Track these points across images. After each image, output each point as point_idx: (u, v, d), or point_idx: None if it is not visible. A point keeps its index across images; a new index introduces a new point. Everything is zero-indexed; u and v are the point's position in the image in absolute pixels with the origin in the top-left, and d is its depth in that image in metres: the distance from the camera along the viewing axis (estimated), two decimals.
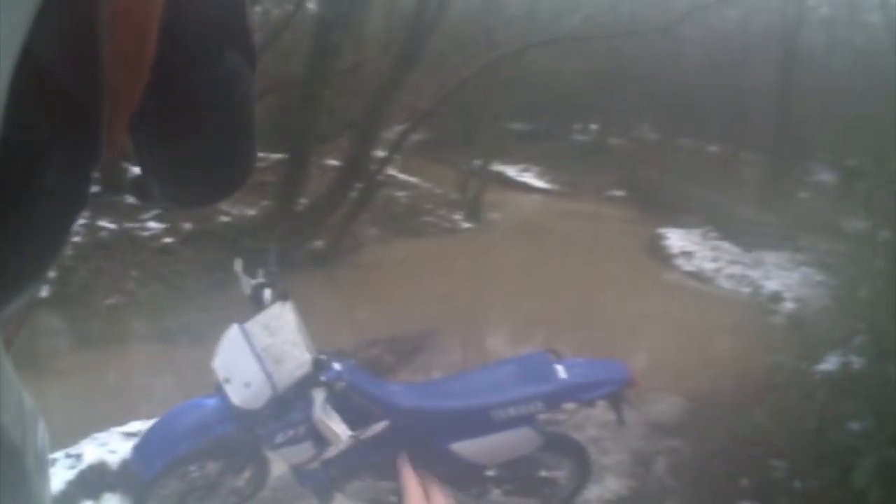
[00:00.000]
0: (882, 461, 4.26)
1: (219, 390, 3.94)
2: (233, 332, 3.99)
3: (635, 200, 22.16)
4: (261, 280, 4.23)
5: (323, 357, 3.76)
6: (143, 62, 0.75)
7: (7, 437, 0.65)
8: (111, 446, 5.45)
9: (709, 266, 15.19)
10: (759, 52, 23.69)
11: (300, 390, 3.76)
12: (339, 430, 3.66)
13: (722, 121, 24.90)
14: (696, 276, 14.80)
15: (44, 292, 9.49)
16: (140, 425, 5.64)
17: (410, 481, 0.87)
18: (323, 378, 3.71)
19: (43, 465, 0.76)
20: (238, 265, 4.28)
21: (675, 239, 17.00)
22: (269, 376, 3.73)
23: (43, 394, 7.46)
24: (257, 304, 4.10)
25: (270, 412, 3.86)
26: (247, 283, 4.19)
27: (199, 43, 0.85)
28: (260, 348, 3.82)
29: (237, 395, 3.79)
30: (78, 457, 5.29)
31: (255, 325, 3.94)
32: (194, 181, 1.06)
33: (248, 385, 3.76)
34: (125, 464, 5.18)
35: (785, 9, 22.70)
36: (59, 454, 5.29)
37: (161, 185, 1.03)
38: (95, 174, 0.73)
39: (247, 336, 3.91)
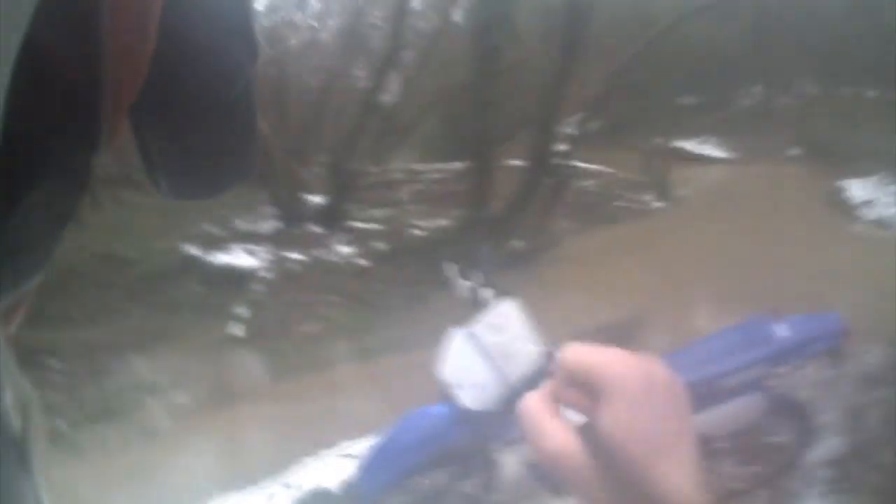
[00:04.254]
0: None
1: (445, 398, 3.98)
2: (458, 338, 4.00)
3: (811, 157, 21.93)
4: (478, 282, 4.15)
5: (552, 348, 3.68)
6: (144, 54, 0.77)
7: (8, 423, 0.68)
8: (329, 470, 5.37)
9: (892, 212, 14.92)
10: None
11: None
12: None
13: (875, 64, 23.89)
14: (880, 223, 14.56)
15: (237, 331, 9.62)
16: (355, 446, 5.61)
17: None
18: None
19: (43, 454, 0.76)
20: (452, 270, 4.29)
21: (855, 190, 16.80)
22: (501, 374, 3.70)
23: (246, 428, 7.53)
24: (478, 306, 4.07)
25: (502, 411, 3.81)
26: (463, 287, 4.16)
27: (200, 35, 0.87)
28: (489, 348, 3.81)
29: (470, 398, 3.82)
30: (293, 485, 5.22)
31: (480, 326, 3.95)
32: (197, 172, 1.07)
33: (480, 386, 3.78)
34: (346, 485, 5.09)
35: None
36: (272, 485, 5.27)
37: (165, 176, 1.03)
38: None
39: (473, 339, 3.92)
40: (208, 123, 0.95)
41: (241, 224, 11.96)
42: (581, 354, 0.70)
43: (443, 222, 13.22)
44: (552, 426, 0.68)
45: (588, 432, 0.65)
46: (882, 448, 5.42)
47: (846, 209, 15.80)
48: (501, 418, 3.85)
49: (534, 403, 0.71)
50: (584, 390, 0.68)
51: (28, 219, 0.64)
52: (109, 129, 0.73)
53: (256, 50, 0.98)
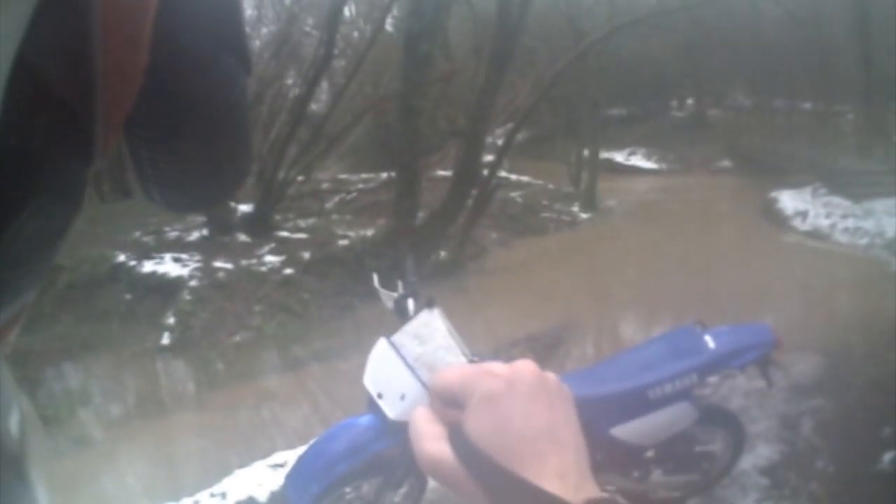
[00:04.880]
0: None
1: (372, 408, 3.92)
2: (381, 347, 3.76)
3: (742, 168, 22.59)
4: (402, 291, 4.07)
5: (477, 359, 3.53)
6: (137, 67, 0.76)
7: (6, 443, 0.68)
8: (257, 480, 5.31)
9: (824, 223, 15.21)
10: (832, 1, 23.15)
11: None
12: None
13: (810, 76, 24.53)
14: (814, 234, 14.84)
15: (164, 339, 9.56)
16: (285, 455, 5.55)
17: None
18: None
19: (43, 471, 0.77)
20: (376, 280, 4.15)
21: (788, 200, 17.12)
22: (424, 385, 3.52)
23: (175, 437, 7.48)
24: (402, 316, 3.89)
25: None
26: (388, 297, 4.07)
27: (192, 48, 0.86)
28: (412, 358, 3.59)
29: (393, 410, 3.56)
30: (223, 495, 5.16)
31: (403, 336, 3.71)
32: (190, 184, 1.06)
33: (403, 397, 3.55)
34: (275, 495, 5.10)
35: None
36: (202, 494, 5.18)
37: (158, 189, 1.04)
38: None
39: (396, 348, 3.69)
40: (201, 135, 0.96)
41: (171, 232, 11.85)
42: (446, 376, 0.75)
43: (369, 232, 13.19)
44: (429, 436, 0.70)
45: (460, 441, 0.67)
46: (817, 456, 5.53)
47: (778, 220, 16.12)
48: None
49: (418, 416, 0.75)
50: (456, 407, 0.71)
51: (22, 234, 0.64)
52: (103, 143, 0.73)
53: (249, 62, 0.98)
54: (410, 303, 4.01)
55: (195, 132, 0.94)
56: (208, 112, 0.93)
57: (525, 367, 0.72)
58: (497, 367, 0.72)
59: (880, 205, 15.03)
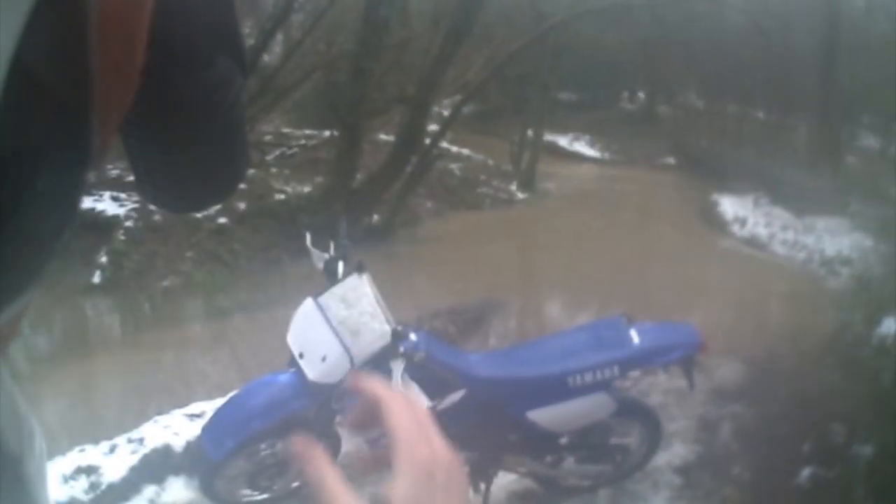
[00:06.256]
0: None
1: (293, 365, 3.91)
2: (307, 306, 3.92)
3: (686, 168, 22.47)
4: (333, 253, 4.14)
5: (400, 328, 3.65)
6: (133, 68, 0.75)
7: (6, 442, 0.69)
8: (174, 428, 5.28)
9: (762, 232, 15.28)
10: (801, 16, 23.26)
11: (378, 362, 3.65)
12: (419, 400, 3.53)
13: (767, 86, 24.73)
14: (751, 242, 14.86)
15: (95, 278, 9.48)
16: (203, 406, 5.56)
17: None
18: (401, 349, 3.57)
19: (42, 471, 0.79)
20: (308, 239, 4.21)
21: (728, 205, 17.18)
22: (346, 349, 3.65)
23: (98, 379, 7.44)
24: (331, 278, 4.01)
25: (347, 385, 3.71)
26: (319, 257, 4.12)
27: (189, 48, 0.87)
28: (336, 321, 3.74)
29: (313, 370, 3.72)
30: (140, 441, 5.13)
31: (330, 297, 3.87)
32: (186, 185, 1.07)
33: (324, 359, 3.68)
34: (190, 446, 5.10)
35: None
36: (120, 439, 5.15)
37: (153, 188, 1.05)
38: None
39: (322, 309, 3.83)
40: (197, 136, 0.96)
41: (112, 170, 11.70)
42: (380, 393, 0.72)
43: (306, 189, 13.14)
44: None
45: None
46: (734, 462, 5.61)
47: (717, 224, 16.22)
48: (344, 394, 3.86)
49: (332, 480, 0.66)
50: (372, 419, 0.72)
51: (20, 234, 0.64)
52: (101, 142, 0.73)
53: (245, 63, 0.98)
54: (340, 265, 4.07)
55: (191, 132, 0.95)
56: (204, 113, 0.94)
57: (449, 454, 0.72)
58: (427, 437, 0.71)
59: (822, 222, 15.20)
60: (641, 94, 31.71)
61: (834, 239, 13.93)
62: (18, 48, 0.57)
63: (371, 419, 0.73)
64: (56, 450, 5.01)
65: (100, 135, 0.72)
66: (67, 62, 0.64)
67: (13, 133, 0.59)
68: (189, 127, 0.94)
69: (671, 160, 23.54)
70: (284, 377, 4.10)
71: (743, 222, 15.91)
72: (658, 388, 6.40)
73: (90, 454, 4.99)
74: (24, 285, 0.71)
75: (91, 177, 0.67)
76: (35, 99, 0.61)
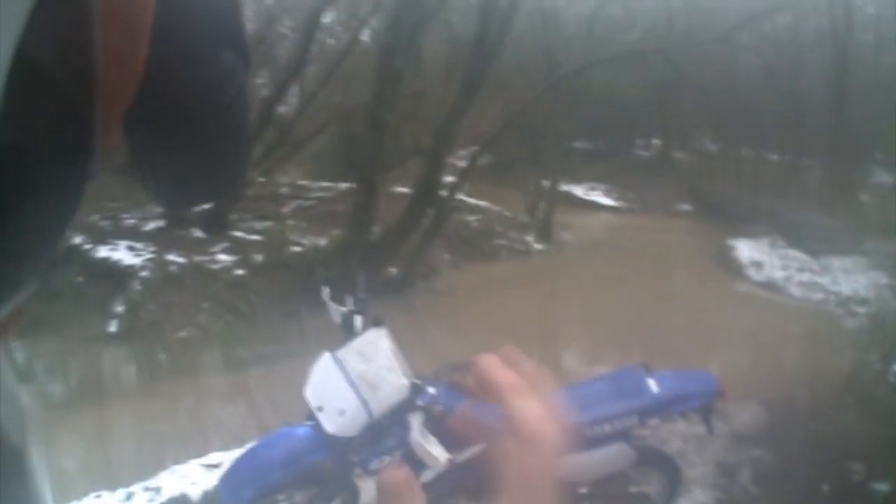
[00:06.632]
0: None
1: (310, 419, 3.93)
2: (325, 361, 3.96)
3: (702, 213, 22.44)
4: (351, 307, 4.17)
5: (419, 382, 3.71)
6: (136, 61, 0.76)
7: (6, 436, 0.70)
8: (191, 478, 5.31)
9: (779, 275, 15.27)
10: (812, 56, 23.40)
11: (396, 416, 3.67)
12: (438, 453, 3.63)
13: (780, 128, 24.99)
14: (768, 285, 14.83)
15: (112, 327, 9.52)
16: (220, 456, 5.56)
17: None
18: (420, 402, 3.60)
19: (43, 464, 0.79)
20: (325, 293, 4.25)
21: (744, 250, 17.15)
22: (364, 403, 3.70)
23: (114, 427, 7.43)
24: (349, 331, 4.06)
25: (365, 439, 3.83)
26: (336, 311, 4.14)
27: (192, 42, 0.86)
28: (354, 375, 3.79)
29: (331, 423, 3.75)
30: (157, 490, 5.16)
31: (348, 352, 3.92)
32: (188, 180, 1.07)
33: (342, 412, 3.73)
34: (208, 496, 5.10)
35: (833, 11, 22.26)
36: (136, 487, 5.18)
37: (156, 184, 1.04)
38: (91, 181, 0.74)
39: (340, 364, 3.88)
40: (200, 131, 0.96)
41: (128, 220, 11.77)
42: (504, 377, 0.66)
43: (322, 241, 13.17)
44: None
45: None
46: None
47: (734, 268, 16.12)
48: (362, 447, 3.89)
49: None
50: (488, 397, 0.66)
51: (22, 230, 0.64)
52: (104, 137, 0.71)
53: (248, 57, 0.97)
54: (358, 319, 4.09)
55: (193, 127, 0.95)
56: (207, 107, 0.93)
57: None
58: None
59: (838, 262, 15.22)
60: (656, 141, 31.69)
61: (850, 278, 13.98)
62: (21, 40, 0.57)
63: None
64: (73, 496, 5.01)
65: (103, 127, 0.71)
66: (70, 55, 0.64)
67: (16, 125, 0.58)
68: (192, 120, 0.94)
69: (687, 206, 23.52)
70: (302, 429, 4.11)
71: (759, 266, 15.89)
72: (677, 434, 6.37)
73: (107, 502, 5.00)
74: (25, 278, 0.71)
75: (94, 172, 0.68)
76: (38, 91, 0.61)
